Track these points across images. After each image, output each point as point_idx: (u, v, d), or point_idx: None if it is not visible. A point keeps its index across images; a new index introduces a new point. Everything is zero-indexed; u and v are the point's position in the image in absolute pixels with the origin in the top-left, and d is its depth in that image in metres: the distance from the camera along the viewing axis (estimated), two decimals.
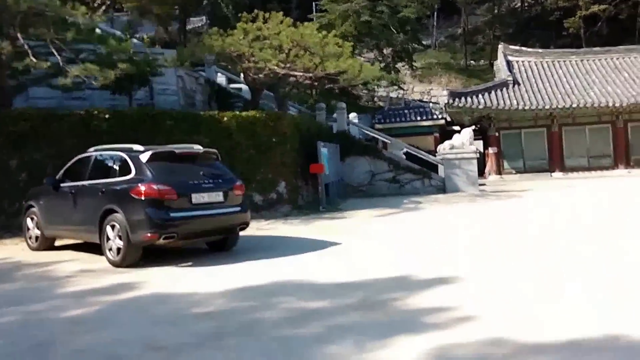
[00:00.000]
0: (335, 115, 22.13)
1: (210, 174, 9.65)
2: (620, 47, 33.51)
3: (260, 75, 16.24)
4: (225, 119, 15.26)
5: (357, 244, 10.34)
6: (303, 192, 17.50)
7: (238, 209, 9.78)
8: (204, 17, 40.13)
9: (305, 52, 16.03)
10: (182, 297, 6.95)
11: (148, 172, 9.01)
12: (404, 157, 22.58)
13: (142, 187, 8.80)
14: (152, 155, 9.21)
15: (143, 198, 8.75)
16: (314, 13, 39.94)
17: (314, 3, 42.11)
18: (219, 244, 10.19)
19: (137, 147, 9.62)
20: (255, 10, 16.66)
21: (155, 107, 16.37)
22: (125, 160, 9.37)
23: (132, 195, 8.82)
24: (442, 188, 20.71)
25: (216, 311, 6.24)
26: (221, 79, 23.14)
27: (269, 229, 13.11)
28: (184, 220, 8.99)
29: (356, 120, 25.59)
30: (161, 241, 8.86)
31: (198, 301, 6.69)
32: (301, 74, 16.50)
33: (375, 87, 36.37)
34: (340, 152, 20.54)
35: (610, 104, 27.73)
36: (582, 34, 43.86)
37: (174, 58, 15.62)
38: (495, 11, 45.08)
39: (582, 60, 32.11)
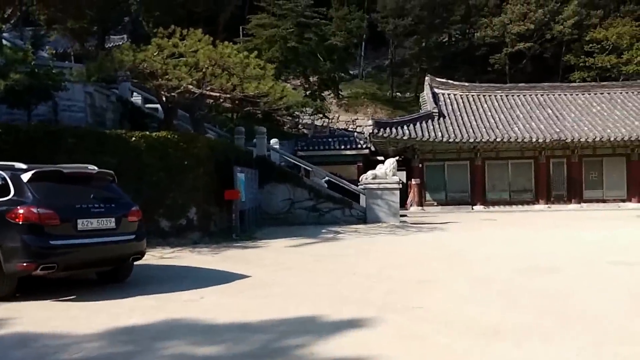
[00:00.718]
0: (255, 140, 21.56)
1: (102, 198, 8.82)
2: (545, 84, 34.88)
3: (174, 94, 15.50)
4: (134, 138, 14.40)
5: (267, 277, 9.71)
6: (216, 219, 16.74)
7: (132, 237, 8.99)
8: (125, 36, 38.89)
9: (223, 72, 15.46)
10: (51, 338, 6.11)
11: (29, 194, 8.11)
12: (325, 185, 22.25)
13: (20, 210, 7.89)
14: (35, 174, 8.32)
15: (20, 222, 7.85)
16: (241, 37, 39.55)
17: (241, 27, 41.77)
18: (110, 274, 9.33)
19: (20, 165, 8.69)
20: (172, 26, 16.00)
21: (59, 124, 15.33)
22: (5, 179, 8.42)
23: (8, 219, 7.90)
24: (363, 218, 20.45)
25: (84, 359, 5.46)
26: (137, 98, 22.19)
27: (173, 257, 12.29)
28: (66, 249, 8.13)
29: (278, 146, 25.13)
30: (39, 272, 7.94)
31: (67, 345, 5.86)
32: (218, 94, 15.89)
33: (300, 113, 36.16)
34: (259, 178, 19.96)
35: (534, 140, 28.56)
36: (507, 71, 45.46)
37: (80, 72, 14.68)
38: (423, 44, 46.07)
39: (507, 96, 33.11)
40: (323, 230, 17.84)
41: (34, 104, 14.40)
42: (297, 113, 37.17)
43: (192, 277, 9.87)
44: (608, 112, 31.76)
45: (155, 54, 15.08)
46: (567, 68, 45.37)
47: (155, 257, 12.33)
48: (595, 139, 28.93)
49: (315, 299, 7.93)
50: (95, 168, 9.35)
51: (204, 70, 15.10)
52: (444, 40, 50.43)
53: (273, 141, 25.15)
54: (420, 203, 29.56)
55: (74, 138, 13.22)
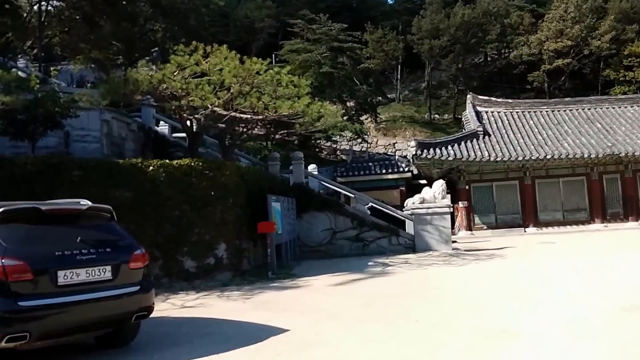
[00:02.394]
0: (291, 167, 19.29)
1: (93, 241, 6.55)
2: (592, 97, 32.09)
3: (199, 117, 13.37)
4: (152, 168, 12.23)
5: (308, 332, 7.28)
6: (249, 255, 14.43)
7: (135, 288, 6.68)
8: (154, 67, 37.49)
9: (252, 91, 13.29)
10: None
11: None
12: (368, 212, 19.80)
13: None
14: (2, 213, 6.13)
15: None
16: (273, 64, 37.78)
17: (273, 54, 40.05)
18: (110, 337, 7.02)
19: None
20: (194, 43, 13.96)
21: (71, 156, 13.32)
22: None
23: None
24: (412, 247, 17.87)
25: None
26: (163, 127, 20.23)
27: (197, 306, 9.94)
28: (42, 312, 5.85)
29: (316, 172, 22.80)
30: (4, 344, 5.68)
31: None
32: (249, 115, 13.69)
33: (338, 138, 33.84)
34: (297, 207, 17.61)
35: (586, 155, 25.69)
36: (545, 88, 42.72)
37: (90, 95, 12.65)
38: (459, 65, 43.63)
39: (553, 111, 30.32)
40: (369, 263, 15.31)
41: (40, 135, 12.38)
42: (335, 138, 34.95)
43: (215, 334, 7.50)
44: None
45: (175, 73, 13.00)
46: (606, 83, 42.46)
47: (175, 306, 10.02)
48: None
49: None
50: (88, 203, 7.10)
51: (229, 89, 12.93)
52: (480, 60, 47.89)
53: (311, 167, 22.90)
54: (469, 227, 26.78)
55: (80, 170, 11.11)
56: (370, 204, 19.66)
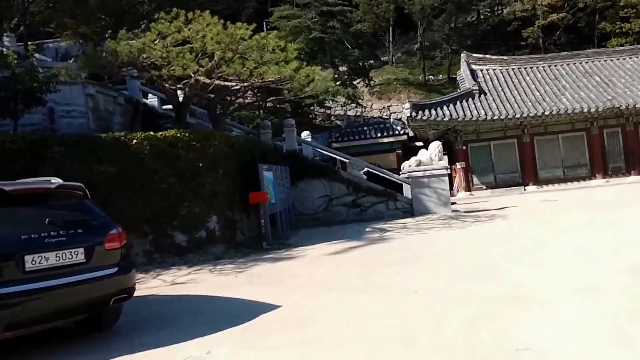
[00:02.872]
0: (284, 134, 18.69)
1: (63, 222, 6.01)
2: (589, 50, 31.27)
3: (182, 87, 12.72)
4: (135, 141, 11.65)
5: (303, 307, 6.81)
6: (243, 227, 13.93)
7: (113, 270, 6.18)
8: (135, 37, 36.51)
9: (236, 56, 12.61)
10: None
11: None
12: (364, 177, 19.27)
13: None
14: None
15: None
16: (265, 31, 36.79)
17: (264, 22, 39.04)
18: (90, 322, 6.55)
19: None
20: (175, 9, 13.23)
21: (54, 133, 12.73)
22: None
23: None
24: (410, 211, 17.41)
25: None
26: (153, 99, 19.53)
27: (188, 282, 9.48)
28: (9, 300, 5.37)
29: (310, 139, 22.19)
30: None
31: None
32: (234, 84, 13.03)
33: (331, 103, 33.06)
34: (291, 175, 17.08)
35: (585, 110, 25.05)
36: (541, 44, 41.83)
37: (69, 69, 11.98)
38: (452, 25, 42.58)
39: (550, 66, 29.56)
40: (367, 229, 14.86)
41: (21, 112, 11.77)
42: (328, 104, 34.20)
43: (205, 312, 7.03)
44: None
45: (156, 42, 12.31)
46: (602, 36, 41.54)
47: (166, 282, 9.57)
48: None
49: (370, 345, 5.01)
50: (59, 181, 6.55)
51: (211, 55, 12.25)
52: (473, 18, 46.78)
53: (304, 134, 22.28)
54: (468, 188, 26.28)
55: (61, 146, 10.51)
56: (365, 169, 19.06)
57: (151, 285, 9.42)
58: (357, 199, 17.40)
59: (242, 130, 20.26)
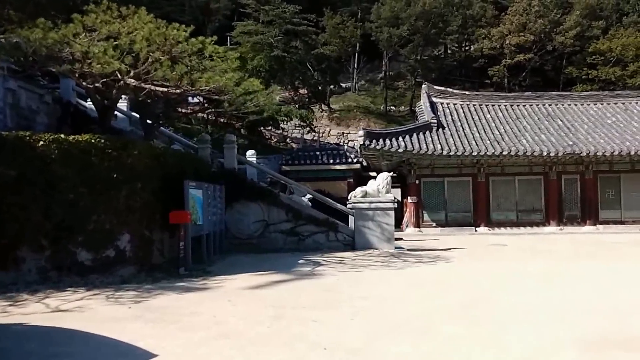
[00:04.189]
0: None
1: None
2: (553, 92, 31.34)
3: (98, 85, 11.65)
4: (42, 143, 10.52)
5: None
6: (163, 248, 12.84)
7: None
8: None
9: (165, 58, 11.64)
10: None
11: None
12: (309, 204, 18.39)
13: None
14: None
15: None
16: (229, 45, 36.02)
17: (228, 36, 38.33)
18: None
19: None
20: (106, 2, 12.23)
21: None
22: None
23: None
24: (351, 244, 16.56)
25: None
26: (90, 102, 18.26)
27: (72, 309, 8.31)
28: None
29: (254, 159, 21.21)
30: None
31: None
32: (165, 89, 12.03)
33: (287, 125, 32.22)
34: (227, 196, 16.06)
35: (545, 153, 24.76)
36: (505, 84, 42.12)
37: None
38: (418, 57, 42.52)
39: (512, 105, 29.39)
40: (300, 261, 13.91)
41: None
42: (284, 125, 33.40)
43: (60, 357, 5.91)
44: (625, 123, 27.99)
45: (80, 35, 11.25)
46: (568, 81, 42.10)
47: (48, 308, 8.41)
48: (613, 153, 25.09)
49: None
50: None
51: (140, 55, 11.25)
52: (440, 52, 46.93)
53: (249, 153, 21.30)
54: (417, 224, 25.62)
55: None
56: (309, 196, 18.18)
57: (28, 310, 8.24)
58: (296, 226, 16.48)
59: (183, 144, 19.16)
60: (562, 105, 29.64)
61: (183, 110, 15.23)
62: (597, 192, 26.53)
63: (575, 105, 29.84)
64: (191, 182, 12.84)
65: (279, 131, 34.16)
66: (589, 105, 29.84)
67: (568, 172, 26.42)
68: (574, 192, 26.63)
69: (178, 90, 12.23)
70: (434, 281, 11.11)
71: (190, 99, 17.49)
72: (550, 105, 29.60)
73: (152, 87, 11.90)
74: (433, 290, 9.98)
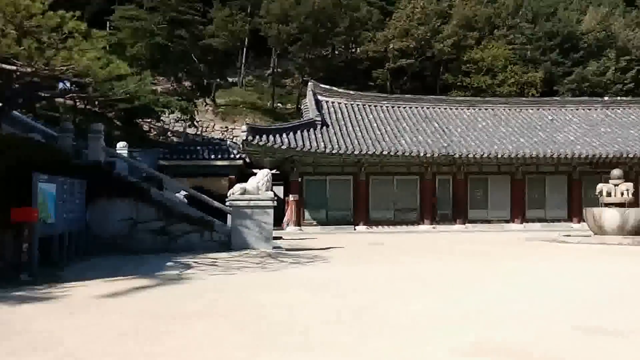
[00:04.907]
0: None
1: None
2: (431, 96, 32.03)
3: None
4: None
5: None
6: (4, 250, 11.01)
7: None
8: None
9: (11, 30, 9.91)
10: None
11: None
12: (184, 201, 17.01)
13: None
14: None
15: None
16: (107, 31, 33.38)
17: (107, 21, 35.56)
18: None
19: None
20: None
21: None
22: None
23: None
24: (227, 244, 15.43)
25: None
26: None
27: None
28: None
29: (125, 151, 19.43)
30: None
31: None
32: (6, 65, 10.26)
33: (169, 117, 30.28)
34: (91, 191, 14.33)
35: (422, 154, 25.01)
36: (388, 87, 42.64)
37: None
38: (307, 55, 41.99)
39: (393, 107, 29.58)
40: (168, 264, 12.58)
41: None
42: (165, 118, 31.41)
43: None
44: (493, 128, 29.06)
45: None
46: (445, 86, 43.50)
47: None
48: (483, 155, 25.90)
49: None
50: None
51: None
52: (328, 52, 46.69)
53: (120, 145, 19.49)
54: (298, 223, 24.95)
55: None
56: (184, 192, 16.80)
57: None
58: (167, 225, 15.07)
59: (44, 133, 17.07)
60: (439, 108, 30.27)
61: (43, 94, 13.28)
62: (467, 193, 27.27)
63: (451, 109, 30.59)
64: (42, 176, 11.12)
65: (159, 124, 32.14)
66: (462, 110, 30.69)
67: (442, 173, 26.96)
68: (447, 192, 27.25)
69: (29, 69, 10.49)
70: (308, 285, 10.25)
71: (61, 84, 15.54)
72: (428, 108, 30.12)
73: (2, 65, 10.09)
74: (305, 295, 9.10)
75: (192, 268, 12.07)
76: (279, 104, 42.03)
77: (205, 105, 35.73)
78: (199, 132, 33.88)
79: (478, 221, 27.15)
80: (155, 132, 32.98)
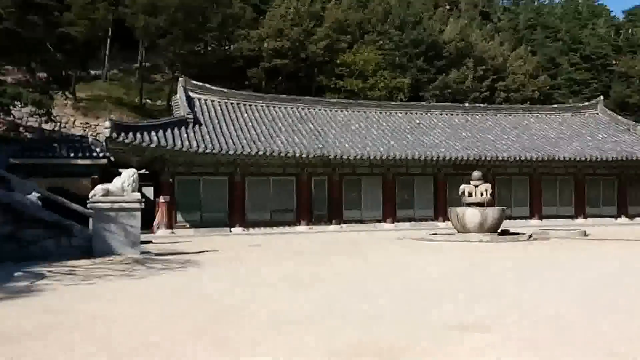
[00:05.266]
0: None
1: None
2: (307, 97, 31.91)
3: None
4: None
5: None
6: None
7: None
8: None
9: None
10: None
11: None
12: (39, 203, 15.16)
13: None
14: None
15: None
16: None
17: None
18: None
19: None
20: None
21: None
22: None
23: None
24: (89, 250, 13.92)
25: None
26: None
27: None
28: None
29: None
30: None
31: None
32: None
33: (14, 108, 27.09)
34: None
35: (297, 155, 24.70)
36: (263, 87, 42.03)
37: None
38: (178, 51, 40.20)
39: (268, 107, 29.05)
40: (17, 274, 10.98)
41: None
42: (18, 113, 28.38)
43: None
44: (366, 130, 29.52)
45: None
46: (319, 89, 43.72)
47: None
48: (356, 157, 26.18)
49: None
50: None
51: None
52: (200, 48, 45.11)
53: None
54: (170, 225, 23.57)
55: None
56: (37, 194, 14.99)
57: None
58: (17, 231, 13.28)
59: None
60: (314, 110, 30.24)
61: None
62: (342, 193, 27.42)
63: (325, 111, 30.67)
64: None
65: (10, 118, 28.96)
66: (337, 111, 30.89)
67: (318, 174, 26.87)
68: (323, 193, 27.20)
69: None
70: (179, 292, 9.31)
71: None
72: (303, 109, 29.97)
73: None
74: (175, 303, 8.18)
75: (45, 278, 10.61)
76: (147, 100, 39.84)
77: (65, 99, 32.83)
78: (56, 128, 30.98)
79: (353, 221, 27.36)
80: (4, 127, 29.69)
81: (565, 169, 30.33)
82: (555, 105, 39.72)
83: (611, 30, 61.35)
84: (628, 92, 52.58)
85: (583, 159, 29.06)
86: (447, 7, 62.73)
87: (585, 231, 20.84)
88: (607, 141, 31.74)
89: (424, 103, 37.91)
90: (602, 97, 38.84)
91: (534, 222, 28.61)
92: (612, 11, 72.49)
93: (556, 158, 28.69)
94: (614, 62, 55.78)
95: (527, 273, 11.15)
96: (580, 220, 29.75)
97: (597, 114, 35.89)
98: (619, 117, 36.17)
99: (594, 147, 30.64)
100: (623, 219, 30.82)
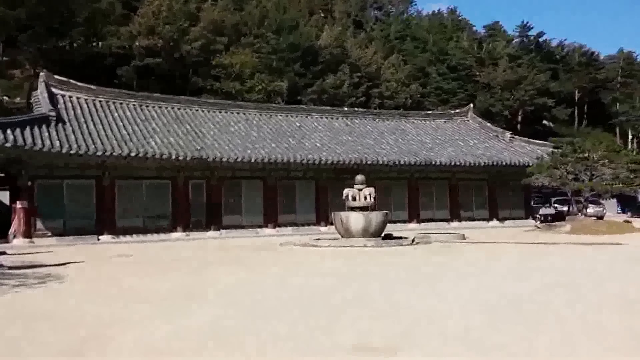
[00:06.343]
0: None
1: None
2: (182, 97, 30.18)
3: None
4: None
5: None
6: None
7: None
8: None
9: None
10: None
11: None
12: None
13: None
14: None
15: None
16: None
17: None
18: None
19: None
20: None
21: None
22: None
23: None
24: None
25: None
26: None
27: None
28: None
29: None
30: None
31: None
32: None
33: None
34: None
35: (173, 157, 23.07)
36: (135, 86, 39.51)
37: None
38: (41, 46, 36.65)
39: (141, 106, 27.01)
40: None
41: None
42: None
43: None
44: (246, 132, 28.40)
45: None
46: (195, 90, 41.99)
47: None
48: (237, 160, 24.97)
49: None
50: None
51: None
52: (65, 44, 41.56)
53: None
54: (29, 234, 20.97)
55: None
56: None
57: None
58: None
59: None
60: (191, 110, 28.71)
61: None
62: (222, 198, 26.12)
63: (203, 111, 29.23)
64: None
65: None
66: (215, 112, 29.55)
67: (195, 177, 25.39)
68: (201, 198, 25.70)
69: None
70: (36, 313, 7.81)
71: None
72: (179, 109, 28.31)
73: None
74: (34, 328, 6.75)
75: None
76: (5, 97, 35.99)
77: None
78: None
79: (233, 227, 26.05)
80: None
81: (441, 174, 31.13)
82: (430, 112, 41.06)
83: (474, 43, 65.19)
84: (492, 102, 56.21)
85: (457, 164, 29.94)
86: (322, 14, 63.43)
87: (463, 235, 21.27)
88: (478, 147, 33.06)
89: (304, 106, 37.58)
90: (472, 105, 40.65)
91: (413, 225, 28.99)
92: (474, 25, 76.58)
93: (433, 163, 29.34)
94: (477, 74, 59.32)
95: (422, 281, 10.68)
96: (455, 224, 30.53)
97: (469, 120, 37.43)
98: (488, 124, 38.02)
99: (467, 152, 31.72)
100: (494, 222, 32.07)
